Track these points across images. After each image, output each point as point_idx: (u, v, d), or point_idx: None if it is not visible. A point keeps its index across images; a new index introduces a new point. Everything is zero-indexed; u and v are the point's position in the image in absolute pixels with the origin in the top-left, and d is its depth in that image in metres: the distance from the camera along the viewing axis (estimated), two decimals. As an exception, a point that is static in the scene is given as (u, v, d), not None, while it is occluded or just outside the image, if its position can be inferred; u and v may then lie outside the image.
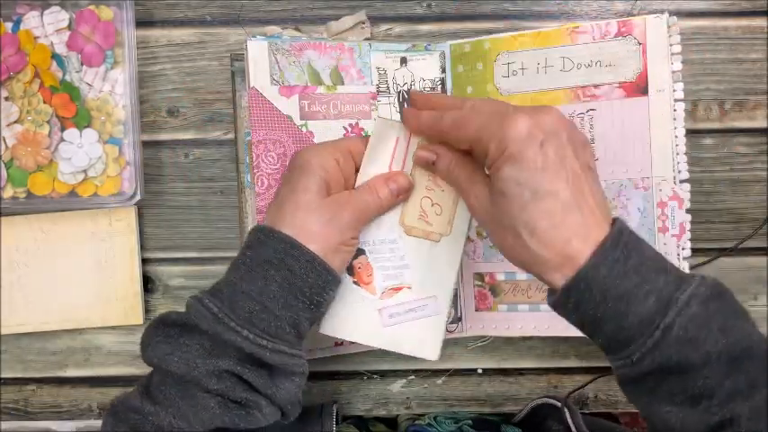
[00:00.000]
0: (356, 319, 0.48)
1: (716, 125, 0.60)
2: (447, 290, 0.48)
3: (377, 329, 0.48)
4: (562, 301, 0.40)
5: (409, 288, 0.48)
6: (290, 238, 0.43)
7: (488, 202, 0.42)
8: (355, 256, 0.48)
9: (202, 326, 0.42)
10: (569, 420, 0.54)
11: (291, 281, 0.43)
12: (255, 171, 0.55)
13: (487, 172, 0.42)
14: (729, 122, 0.60)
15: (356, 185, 0.48)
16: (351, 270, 0.48)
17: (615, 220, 0.40)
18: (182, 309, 0.61)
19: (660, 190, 0.55)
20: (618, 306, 0.38)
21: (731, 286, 0.61)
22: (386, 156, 0.48)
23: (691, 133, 0.57)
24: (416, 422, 0.59)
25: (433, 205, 0.48)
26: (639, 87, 0.55)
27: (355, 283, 0.48)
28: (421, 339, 0.48)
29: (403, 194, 0.47)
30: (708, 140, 0.60)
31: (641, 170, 0.55)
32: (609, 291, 0.38)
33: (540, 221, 0.39)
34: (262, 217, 0.55)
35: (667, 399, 0.39)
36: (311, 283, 0.43)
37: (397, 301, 0.48)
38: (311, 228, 0.44)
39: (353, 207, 0.45)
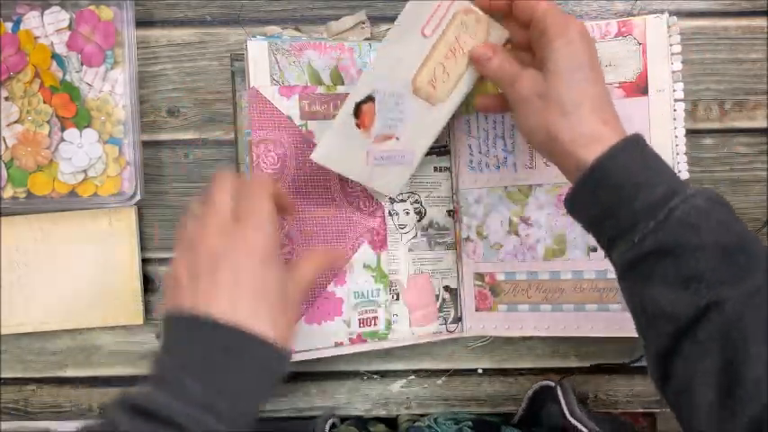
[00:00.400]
0: (347, 155, 0.52)
1: (716, 125, 0.60)
2: (422, 148, 0.55)
3: (359, 166, 0.53)
4: (586, 181, 0.44)
5: (397, 139, 0.53)
6: (277, 348, 0.41)
7: (540, 81, 0.47)
8: (365, 101, 0.51)
9: None
10: (561, 399, 0.54)
11: (274, 381, 0.42)
12: (255, 171, 0.55)
13: (542, 53, 0.47)
14: (729, 122, 0.60)
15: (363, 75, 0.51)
16: (357, 113, 0.51)
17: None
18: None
19: None
20: (631, 192, 0.42)
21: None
22: (421, 20, 0.50)
23: (691, 133, 0.57)
24: (416, 423, 0.59)
25: (443, 73, 0.52)
26: (639, 87, 0.55)
27: (357, 125, 0.51)
28: (388, 181, 0.55)
29: (340, 265, 0.55)
30: (708, 140, 0.60)
31: None
32: (629, 176, 0.43)
33: (586, 98, 0.45)
34: None
35: (660, 281, 0.42)
36: (283, 373, 0.42)
37: (384, 148, 0.53)
38: (283, 329, 0.42)
39: (301, 290, 0.45)
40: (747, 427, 0.37)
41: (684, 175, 0.55)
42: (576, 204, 0.46)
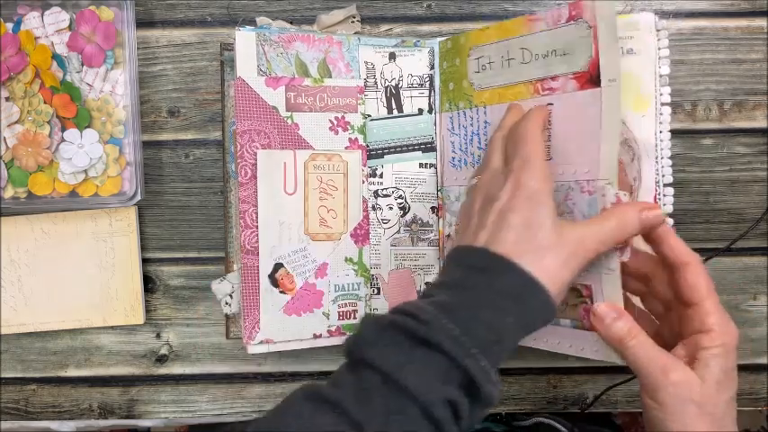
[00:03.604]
0: (282, 320, 0.57)
1: (715, 125, 0.60)
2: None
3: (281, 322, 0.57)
4: None
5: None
6: (531, 276, 0.41)
7: (696, 384, 0.43)
8: (276, 270, 0.56)
9: (444, 345, 0.39)
10: None
11: (526, 320, 0.41)
12: (240, 161, 0.55)
13: (695, 348, 0.44)
14: (729, 123, 0.60)
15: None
16: (275, 282, 0.56)
17: None
18: (184, 309, 0.61)
19: (603, 195, 0.46)
20: None
21: (729, 286, 0.61)
22: (277, 182, 0.55)
23: (690, 133, 0.57)
24: None
25: (328, 212, 0.57)
26: (592, 77, 0.48)
27: (282, 292, 0.56)
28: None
29: (654, 228, 0.45)
30: (707, 141, 0.60)
31: (588, 171, 0.48)
32: None
33: (730, 415, 0.43)
34: (246, 206, 0.55)
35: None
36: (539, 323, 0.42)
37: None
38: (549, 268, 0.41)
39: (594, 241, 0.43)
40: None
41: (668, 179, 0.54)
42: None
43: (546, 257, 0.41)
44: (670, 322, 0.47)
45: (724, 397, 0.43)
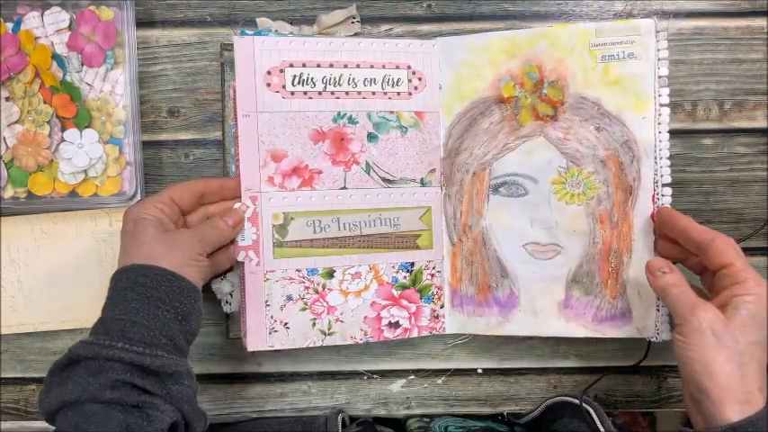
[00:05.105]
0: None
1: (716, 125, 0.60)
2: None
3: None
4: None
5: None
6: (138, 264, 0.48)
7: (721, 320, 0.46)
8: None
9: (83, 354, 0.45)
10: (596, 419, 0.55)
11: (148, 293, 0.47)
12: (239, 164, 0.55)
13: (728, 294, 0.48)
14: (729, 123, 0.60)
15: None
16: None
17: None
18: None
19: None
20: None
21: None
22: None
23: (690, 133, 0.57)
24: None
25: None
26: None
27: None
28: None
29: (239, 226, 0.55)
30: (707, 141, 0.60)
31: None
32: None
33: (755, 359, 0.46)
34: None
35: None
36: (166, 289, 0.47)
37: None
38: (158, 253, 0.49)
39: (195, 233, 0.52)
40: None
41: (666, 179, 0.55)
42: None
43: (153, 247, 0.49)
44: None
45: (747, 338, 0.46)
